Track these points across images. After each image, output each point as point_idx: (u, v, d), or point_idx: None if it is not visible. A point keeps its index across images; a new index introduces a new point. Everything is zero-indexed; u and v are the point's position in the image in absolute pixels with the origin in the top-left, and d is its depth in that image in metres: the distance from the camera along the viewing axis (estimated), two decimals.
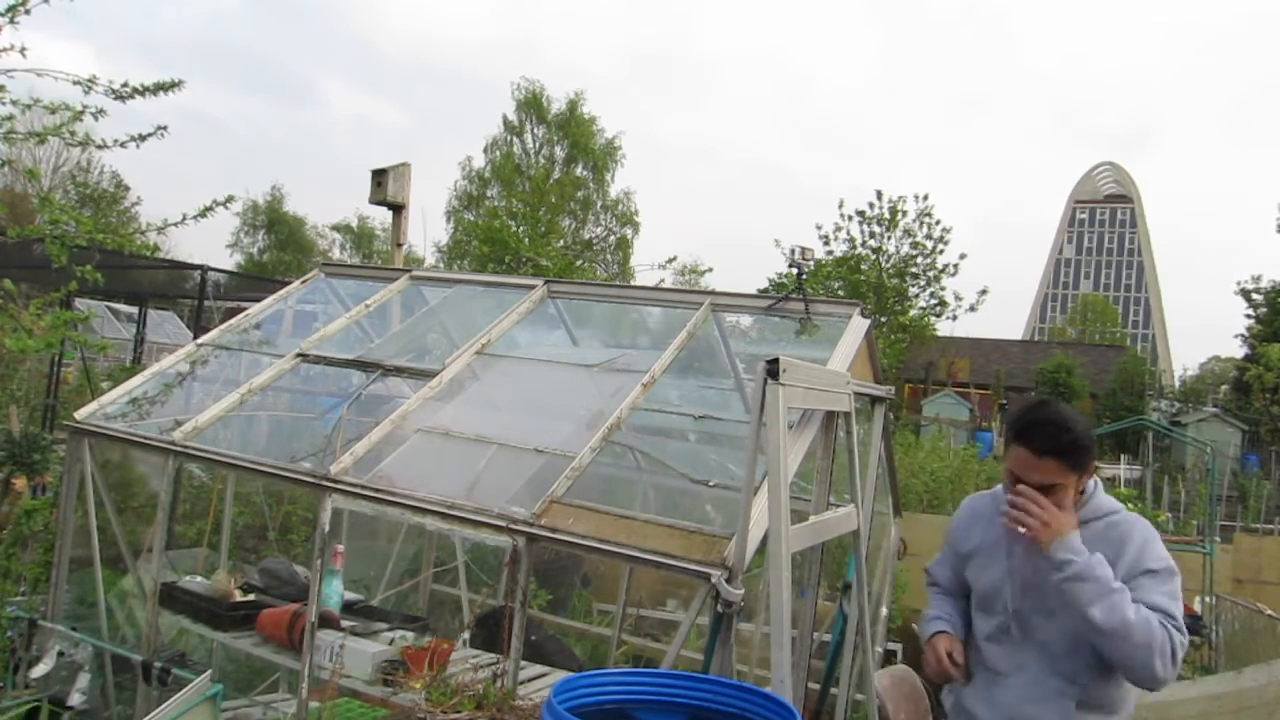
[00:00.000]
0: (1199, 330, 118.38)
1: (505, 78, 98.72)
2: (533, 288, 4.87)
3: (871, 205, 24.42)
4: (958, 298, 24.52)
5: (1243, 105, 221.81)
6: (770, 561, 2.52)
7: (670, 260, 15.64)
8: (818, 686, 4.13)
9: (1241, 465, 25.24)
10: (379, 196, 7.69)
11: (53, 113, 4.28)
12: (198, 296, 10.29)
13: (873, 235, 24.46)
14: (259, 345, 5.05)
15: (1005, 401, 30.35)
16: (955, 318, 24.86)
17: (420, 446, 4.01)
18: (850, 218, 24.59)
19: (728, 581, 2.71)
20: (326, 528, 3.56)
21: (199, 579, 4.39)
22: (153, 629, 3.95)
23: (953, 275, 24.15)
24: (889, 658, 5.82)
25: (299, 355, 4.64)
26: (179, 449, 4.02)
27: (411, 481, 3.59)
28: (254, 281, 20.55)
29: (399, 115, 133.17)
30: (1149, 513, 11.64)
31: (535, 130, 34.07)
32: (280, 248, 42.01)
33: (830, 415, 3.37)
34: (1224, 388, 40.50)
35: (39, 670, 4.05)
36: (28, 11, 4.13)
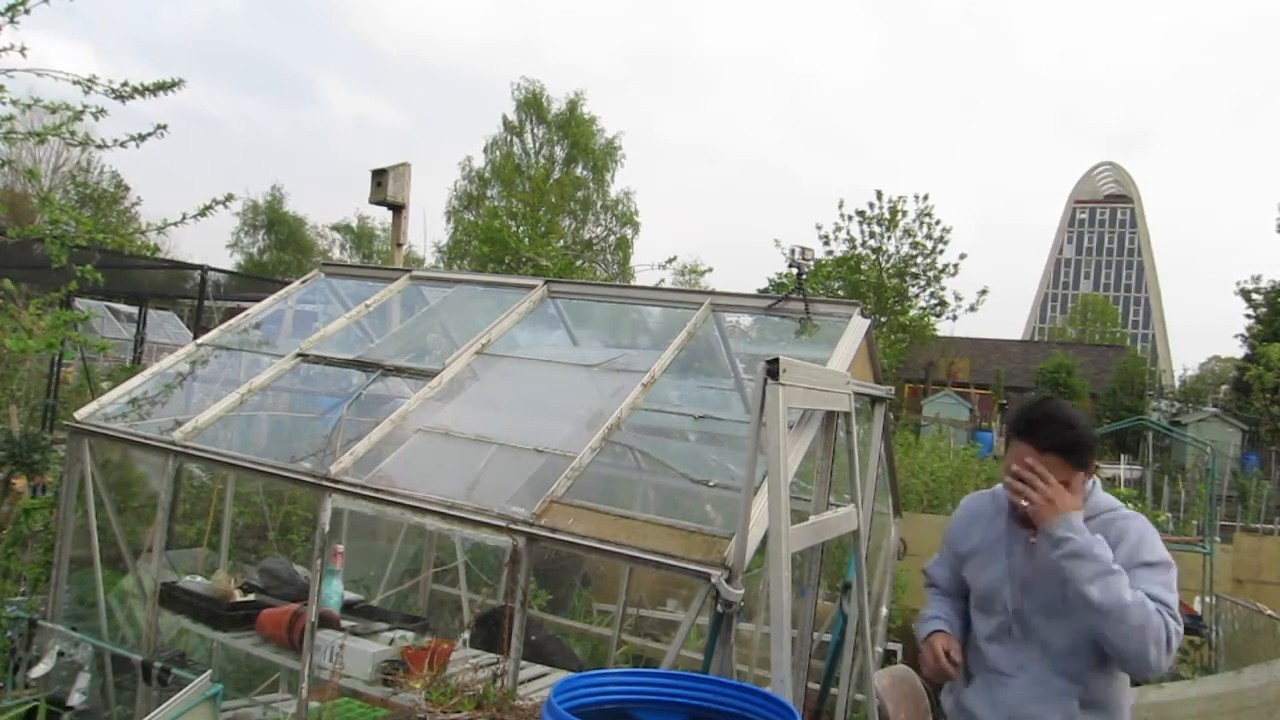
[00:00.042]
0: (1199, 330, 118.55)
1: (505, 78, 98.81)
2: (533, 288, 4.87)
3: (871, 205, 24.44)
4: (958, 298, 24.55)
5: (1243, 105, 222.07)
6: (770, 561, 2.52)
7: (670, 260, 15.65)
8: (818, 686, 4.12)
9: (1241, 465, 25.24)
10: (379, 196, 7.69)
11: (53, 112, 4.29)
12: (198, 296, 10.28)
13: (873, 235, 24.47)
14: (259, 345, 5.04)
15: (1005, 401, 30.36)
16: (955, 318, 24.90)
17: (420, 446, 4.01)
18: (850, 218, 24.61)
19: (728, 581, 2.71)
20: (326, 528, 3.56)
21: (199, 579, 4.39)
22: (153, 629, 3.95)
23: (953, 275, 24.17)
24: (889, 658, 5.82)
25: (299, 355, 4.64)
26: (179, 449, 4.02)
27: (411, 481, 3.59)
28: (254, 281, 20.56)
29: (399, 115, 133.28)
30: (1149, 513, 11.63)
31: (535, 130, 34.09)
32: (280, 248, 42.02)
33: (830, 415, 3.37)
34: (1224, 388, 40.50)
35: (39, 670, 4.05)
36: (27, 11, 4.13)
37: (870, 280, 23.72)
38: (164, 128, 4.46)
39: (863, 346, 3.98)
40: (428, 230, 22.57)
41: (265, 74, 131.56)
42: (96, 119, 4.30)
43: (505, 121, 34.17)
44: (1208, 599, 7.54)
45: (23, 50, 4.08)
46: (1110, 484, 16.91)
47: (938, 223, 23.99)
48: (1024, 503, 2.40)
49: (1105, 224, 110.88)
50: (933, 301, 24.45)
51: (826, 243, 24.92)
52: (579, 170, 33.01)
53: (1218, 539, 8.80)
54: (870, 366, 4.21)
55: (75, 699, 3.97)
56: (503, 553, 3.29)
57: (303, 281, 5.64)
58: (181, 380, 4.76)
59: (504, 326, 4.53)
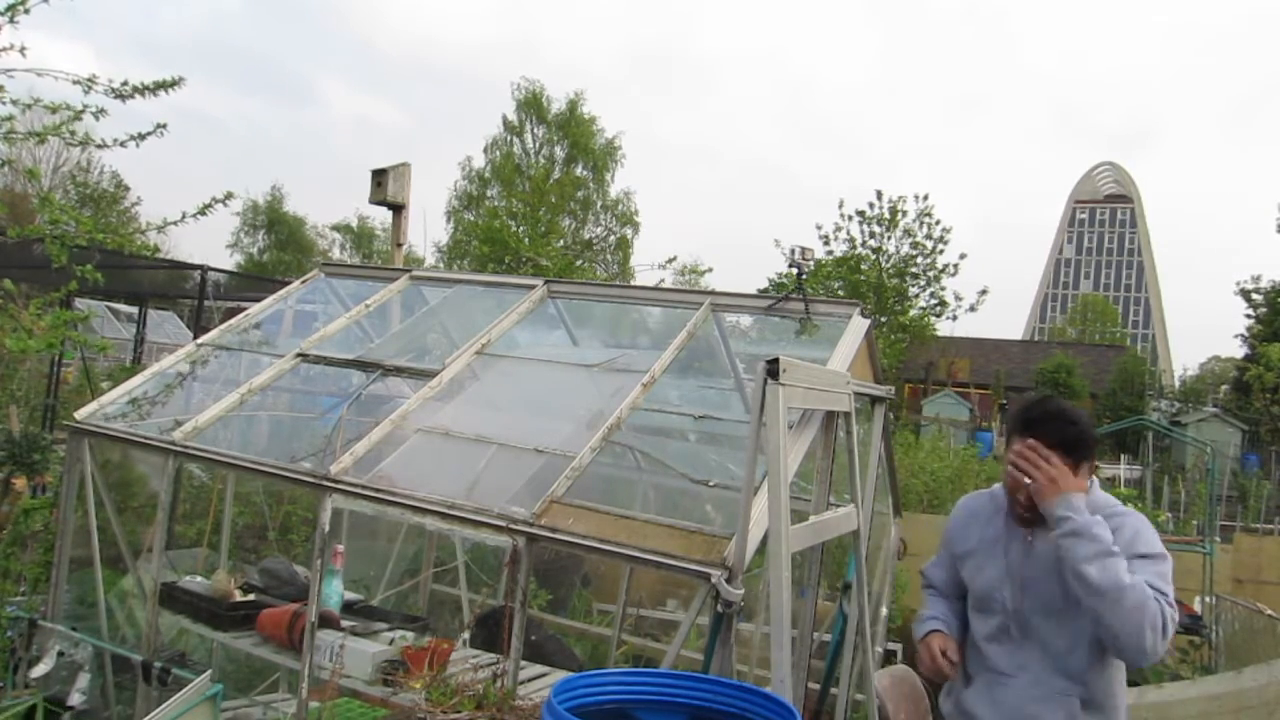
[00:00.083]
0: (1199, 330, 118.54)
1: (505, 78, 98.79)
2: (533, 288, 4.87)
3: (871, 205, 24.44)
4: (958, 298, 24.54)
5: (1243, 105, 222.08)
6: (770, 561, 2.52)
7: (670, 260, 15.66)
8: (818, 686, 4.12)
9: (1241, 465, 25.25)
10: (379, 196, 7.69)
11: (53, 112, 4.29)
12: (198, 296, 10.28)
13: (873, 235, 24.47)
14: (259, 345, 5.04)
15: (1005, 401, 30.36)
16: (955, 318, 24.89)
17: (420, 446, 4.01)
18: (850, 218, 24.61)
19: (728, 581, 2.71)
20: (326, 528, 3.56)
21: (199, 579, 4.39)
22: (153, 629, 3.95)
23: (953, 275, 24.17)
24: (889, 658, 5.82)
25: (299, 355, 4.64)
26: (179, 449, 4.02)
27: (411, 481, 3.59)
28: (254, 281, 20.55)
29: (399, 115, 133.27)
30: (1149, 513, 11.62)
31: (535, 130, 34.09)
32: (280, 248, 42.01)
33: (830, 415, 3.37)
34: (1224, 388, 40.50)
35: (39, 670, 4.05)
36: (27, 11, 4.13)
37: (870, 280, 23.72)
38: (164, 127, 4.46)
39: (863, 346, 3.98)
40: (428, 230, 22.60)
41: (265, 74, 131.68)
42: (97, 119, 4.30)
43: (505, 121, 34.20)
44: (1208, 599, 7.53)
45: (23, 50, 4.09)
46: (1110, 484, 16.91)
47: (938, 223, 24.02)
48: (1027, 480, 2.39)
49: (1105, 224, 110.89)
50: (933, 301, 24.47)
51: (826, 243, 24.95)
52: (579, 170, 33.02)
53: (1218, 539, 8.79)
54: (870, 366, 4.21)
55: (75, 699, 3.97)
56: (503, 553, 3.29)
57: (303, 281, 5.64)
58: (181, 380, 4.76)
59: (504, 326, 4.53)
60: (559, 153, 33.70)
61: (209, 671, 3.47)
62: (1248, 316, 31.08)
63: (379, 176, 7.65)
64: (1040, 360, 36.26)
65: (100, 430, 4.30)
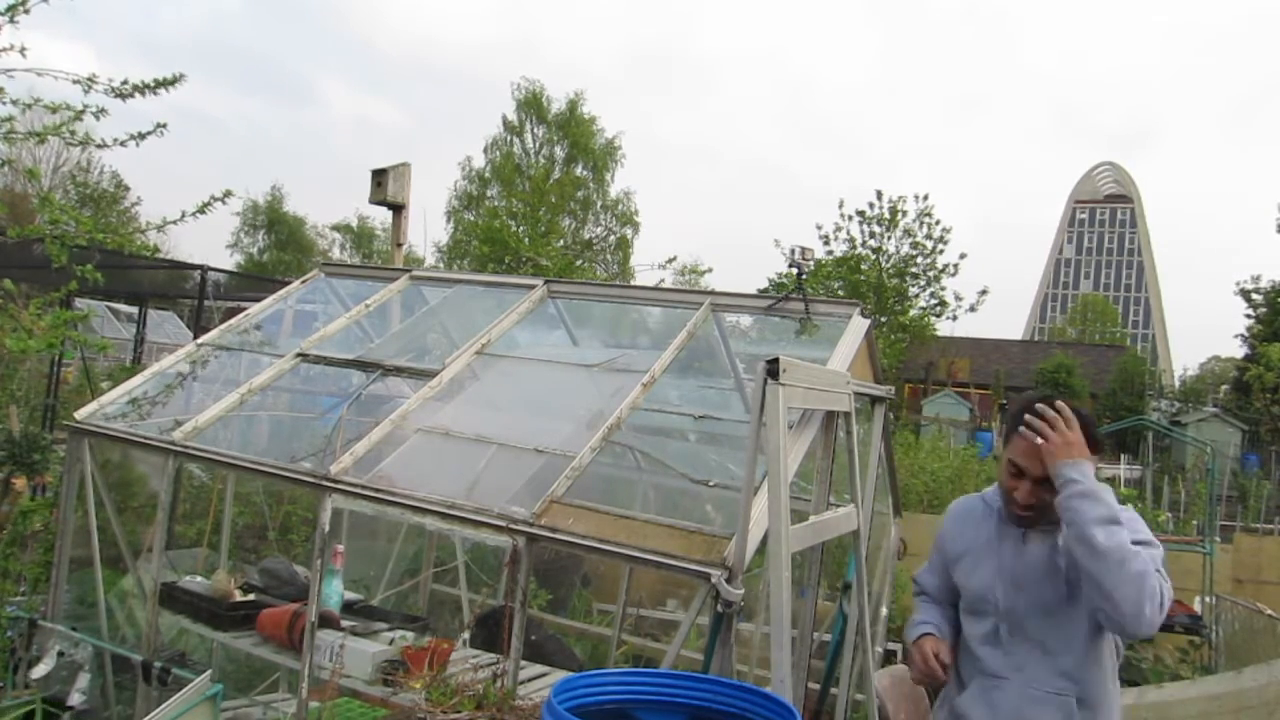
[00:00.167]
0: (1199, 330, 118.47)
1: (505, 78, 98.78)
2: (533, 288, 4.87)
3: (871, 205, 24.45)
4: (958, 298, 24.56)
5: (1243, 105, 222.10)
6: (770, 561, 2.52)
7: (670, 260, 15.67)
8: (818, 686, 4.12)
9: (1241, 465, 25.25)
10: (379, 196, 7.69)
11: (53, 112, 4.29)
12: (198, 296, 10.28)
13: (873, 235, 24.48)
14: (259, 345, 5.05)
15: (1005, 401, 30.36)
16: (955, 318, 24.91)
17: (420, 446, 4.01)
18: (850, 218, 24.62)
19: (728, 581, 2.71)
20: (326, 528, 3.56)
21: (199, 579, 4.39)
22: (153, 629, 3.95)
23: (953, 275, 24.18)
24: (889, 658, 5.82)
25: (299, 355, 4.64)
26: (179, 449, 4.02)
27: (411, 481, 3.59)
28: (254, 281, 20.56)
29: (399, 115, 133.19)
30: (1149, 513, 11.63)
31: (535, 130, 34.12)
32: (280, 248, 42.03)
33: (830, 415, 3.37)
34: (1224, 388, 40.51)
35: (39, 670, 4.05)
36: (27, 11, 4.13)
37: (870, 280, 23.73)
38: (164, 126, 4.46)
39: (863, 346, 3.98)
40: (428, 230, 22.62)
41: (265, 74, 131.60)
42: (97, 118, 4.30)
43: (505, 121, 34.23)
44: (1208, 599, 7.53)
45: (23, 50, 4.09)
46: (1110, 484, 16.86)
47: (938, 223, 24.03)
48: (1040, 440, 2.37)
49: (1105, 224, 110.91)
50: (933, 301, 24.48)
51: (826, 243, 24.96)
52: (579, 170, 33.04)
53: (1218, 539, 8.78)
54: (870, 366, 4.21)
55: (75, 699, 3.97)
56: (503, 553, 3.29)
57: (303, 281, 5.64)
58: (181, 380, 4.76)
59: (504, 326, 4.53)
60: (559, 153, 33.73)
61: (209, 671, 3.47)
62: (1248, 316, 31.11)
63: (379, 176, 7.65)
64: (1040, 360, 36.27)
65: (100, 430, 4.30)
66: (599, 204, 33.44)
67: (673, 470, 4.57)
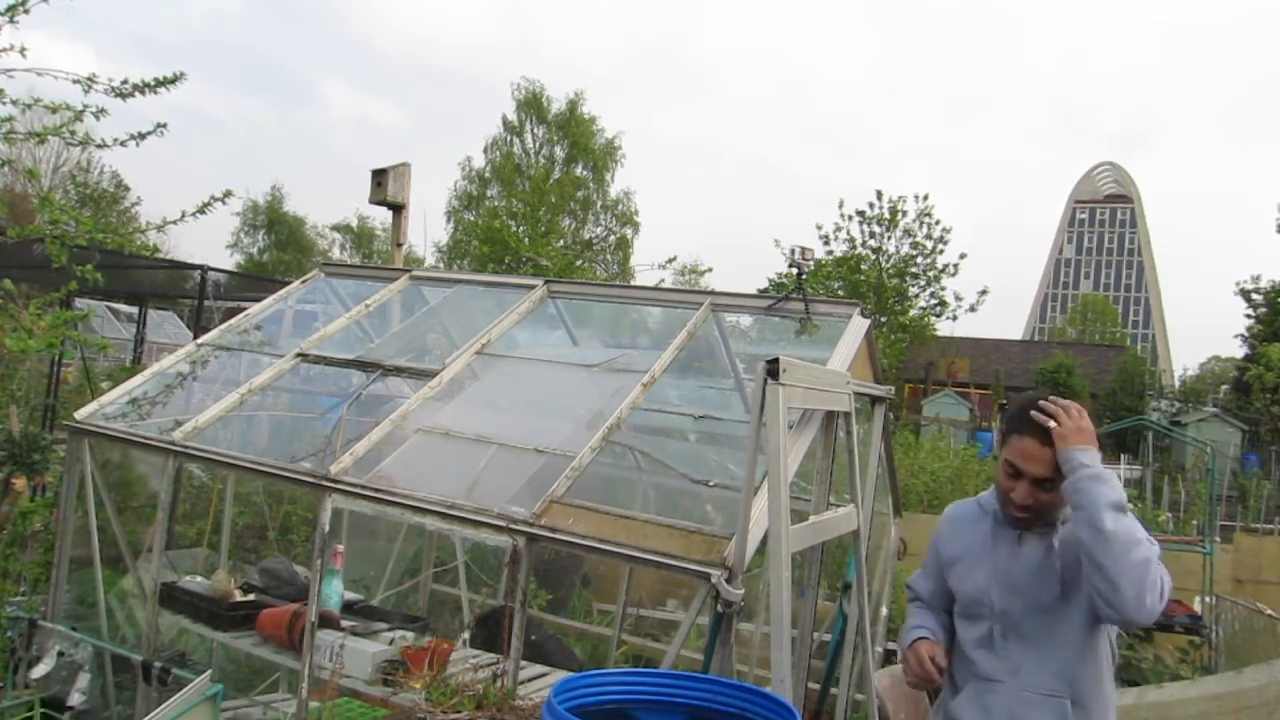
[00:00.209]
0: (1199, 330, 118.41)
1: (505, 78, 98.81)
2: (533, 288, 4.87)
3: (871, 205, 24.45)
4: (958, 298, 24.56)
5: (1243, 105, 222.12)
6: (770, 561, 2.52)
7: (670, 260, 15.67)
8: (818, 686, 4.13)
9: (1241, 465, 25.25)
10: (379, 196, 7.69)
11: (53, 112, 4.29)
12: (198, 296, 10.28)
13: (873, 235, 24.49)
14: (259, 345, 5.05)
15: (1005, 401, 30.35)
16: (955, 318, 24.91)
17: (420, 446, 4.01)
18: (850, 218, 24.62)
19: (728, 581, 2.71)
20: (326, 528, 3.56)
21: (199, 579, 4.39)
22: (153, 629, 3.95)
23: (953, 275, 24.18)
24: (889, 658, 5.82)
25: (299, 355, 4.64)
26: (179, 449, 4.02)
27: (411, 481, 3.59)
28: (254, 281, 20.56)
29: (399, 115, 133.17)
30: (1149, 513, 11.64)
31: (535, 130, 34.11)
32: (280, 248, 42.04)
33: (830, 415, 3.37)
34: (1224, 388, 40.52)
35: (39, 670, 4.05)
36: (27, 11, 4.14)
37: (870, 280, 23.73)
38: (164, 127, 4.46)
39: (863, 346, 3.98)
40: (428, 230, 22.61)
41: (265, 74, 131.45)
42: (97, 118, 4.30)
43: (505, 121, 34.22)
44: (1208, 599, 7.53)
45: (23, 50, 4.09)
46: None
47: (938, 223, 24.03)
48: (1052, 424, 2.37)
49: (1105, 224, 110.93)
50: (933, 301, 24.48)
51: (826, 243, 24.96)
52: (579, 170, 33.04)
53: (1218, 539, 8.78)
54: (870, 366, 4.21)
55: (75, 699, 3.97)
56: (503, 553, 3.29)
57: (303, 281, 5.65)
58: (181, 380, 4.76)
59: (504, 326, 4.53)
60: (559, 153, 33.73)
61: (209, 671, 3.47)
62: (1248, 316, 31.11)
63: (379, 176, 7.65)
64: (1040, 360, 36.27)
65: (100, 430, 4.30)
66: (599, 204, 33.45)
67: (673, 470, 4.58)
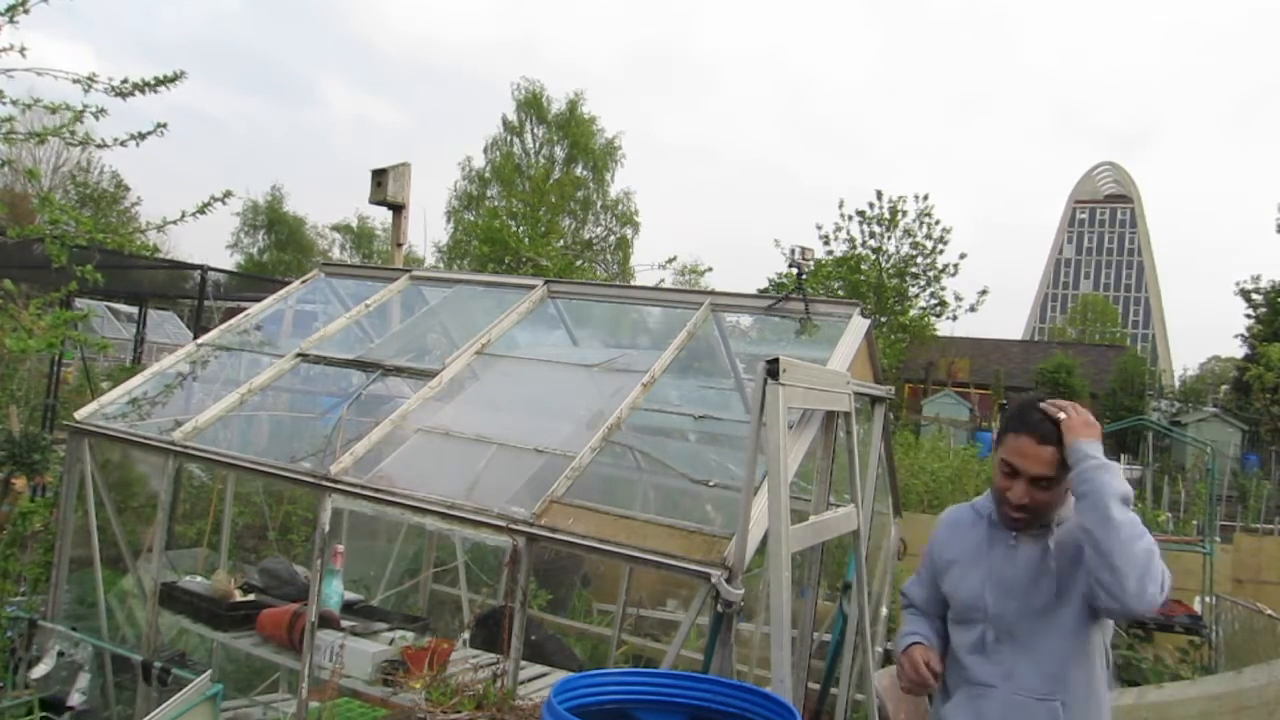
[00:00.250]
0: (1199, 330, 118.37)
1: (505, 78, 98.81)
2: (533, 288, 4.87)
3: (871, 205, 24.45)
4: (958, 298, 24.54)
5: (1243, 105, 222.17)
6: (770, 561, 2.52)
7: (670, 260, 15.66)
8: (818, 686, 4.13)
9: (1241, 465, 25.25)
10: (379, 196, 7.69)
11: (53, 113, 4.29)
12: (198, 296, 10.28)
13: (873, 235, 24.48)
14: (259, 345, 5.05)
15: (1005, 401, 30.34)
16: (955, 318, 24.90)
17: (420, 446, 4.01)
18: (850, 218, 24.62)
19: (728, 581, 2.71)
20: (326, 528, 3.56)
21: (199, 579, 4.39)
22: (153, 629, 3.95)
23: (953, 275, 24.18)
24: (889, 658, 5.82)
25: (299, 355, 4.64)
26: (179, 449, 4.02)
27: (411, 481, 3.59)
28: (254, 281, 20.56)
29: (399, 115, 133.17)
30: (1149, 513, 11.64)
31: (535, 130, 34.11)
32: (280, 248, 42.05)
33: (830, 415, 3.37)
34: (1224, 388, 40.52)
35: (39, 670, 4.05)
36: (27, 11, 4.14)
37: (870, 280, 23.73)
38: (164, 127, 4.46)
39: (863, 346, 3.98)
40: (428, 230, 22.59)
41: (265, 74, 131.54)
42: (96, 118, 4.31)
43: (505, 121, 34.22)
44: (1208, 599, 7.53)
45: (22, 50, 4.09)
46: None
47: (937, 223, 24.03)
48: (1061, 415, 2.39)
49: (1105, 224, 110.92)
50: (933, 301, 24.48)
51: (826, 243, 24.95)
52: (579, 170, 33.03)
53: (1218, 539, 8.78)
54: (870, 366, 4.21)
55: (75, 699, 3.97)
56: (503, 553, 3.29)
57: (303, 281, 5.65)
58: (181, 380, 4.76)
59: (504, 326, 4.53)
60: (559, 153, 33.72)
61: (209, 671, 3.47)
62: (1248, 316, 31.11)
63: (379, 176, 7.65)
64: (1040, 360, 36.26)
65: (100, 430, 4.30)
66: (599, 204, 33.45)
67: (673, 470, 4.58)
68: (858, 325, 4.00)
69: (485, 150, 34.29)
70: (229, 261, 40.16)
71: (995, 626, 2.50)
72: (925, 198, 24.08)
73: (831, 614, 4.17)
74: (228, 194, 4.72)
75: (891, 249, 24.36)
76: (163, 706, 3.16)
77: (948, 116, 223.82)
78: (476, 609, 5.40)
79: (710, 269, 24.16)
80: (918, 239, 24.09)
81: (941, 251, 24.07)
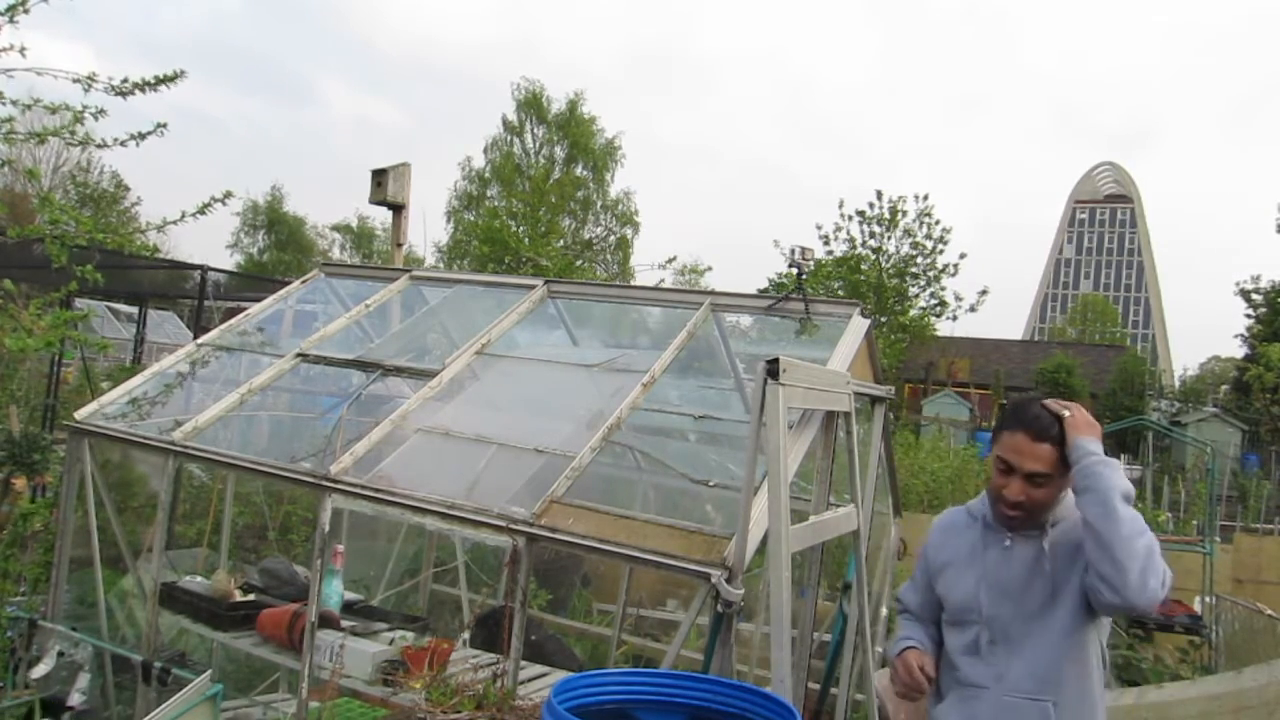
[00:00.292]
0: (1199, 330, 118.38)
1: (505, 78, 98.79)
2: (533, 288, 4.87)
3: (871, 205, 24.46)
4: (958, 298, 24.55)
5: (1243, 105, 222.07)
6: (770, 561, 2.53)
7: (670, 260, 15.70)
8: (818, 686, 4.13)
9: (1241, 465, 25.26)
10: (379, 196, 7.69)
11: (53, 113, 4.29)
12: (198, 296, 10.28)
13: (873, 235, 24.49)
14: (259, 345, 5.05)
15: (1005, 401, 30.35)
16: (955, 318, 24.91)
17: (420, 446, 4.01)
18: (850, 218, 24.62)
19: (728, 581, 2.71)
20: (326, 528, 3.56)
21: (199, 579, 4.39)
22: (153, 629, 3.95)
23: (953, 275, 24.19)
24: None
25: (299, 355, 4.64)
26: (179, 449, 4.02)
27: (411, 481, 3.59)
28: (254, 281, 20.56)
29: (399, 115, 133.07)
30: (1149, 513, 11.64)
31: (535, 130, 34.11)
32: (280, 248, 42.05)
33: (830, 415, 3.37)
34: (1224, 388, 40.53)
35: (39, 670, 4.05)
36: (27, 11, 4.14)
37: (870, 280, 23.74)
38: (164, 127, 4.46)
39: (863, 346, 3.98)
40: (428, 230, 22.58)
41: (265, 74, 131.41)
42: (96, 119, 4.30)
43: (505, 121, 34.22)
44: (1208, 599, 7.53)
45: (22, 50, 4.09)
46: None
47: (937, 223, 24.04)
48: (1066, 413, 2.41)
49: (1105, 224, 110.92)
50: (933, 301, 24.49)
51: (826, 243, 24.96)
52: (579, 170, 33.03)
53: (1218, 539, 8.79)
54: (870, 366, 4.21)
55: (75, 699, 3.97)
56: (503, 553, 3.29)
57: (303, 281, 5.65)
58: (181, 380, 4.76)
59: (504, 326, 4.53)
60: (559, 153, 33.72)
61: (209, 671, 3.47)
62: (1248, 316, 31.13)
63: (379, 176, 7.65)
64: (1040, 360, 36.26)
65: (100, 430, 4.30)
66: (599, 204, 33.45)
67: (673, 470, 4.58)
68: (858, 325, 4.00)
69: (485, 150, 34.33)
70: (229, 261, 40.22)
71: (990, 628, 2.50)
72: (925, 198, 24.13)
73: (831, 614, 4.17)
74: (228, 194, 4.72)
75: (891, 249, 24.38)
76: (163, 706, 3.16)
77: (948, 116, 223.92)
78: (476, 609, 5.40)
79: (710, 269, 24.29)
80: (918, 239, 24.10)
81: (941, 251, 24.11)
